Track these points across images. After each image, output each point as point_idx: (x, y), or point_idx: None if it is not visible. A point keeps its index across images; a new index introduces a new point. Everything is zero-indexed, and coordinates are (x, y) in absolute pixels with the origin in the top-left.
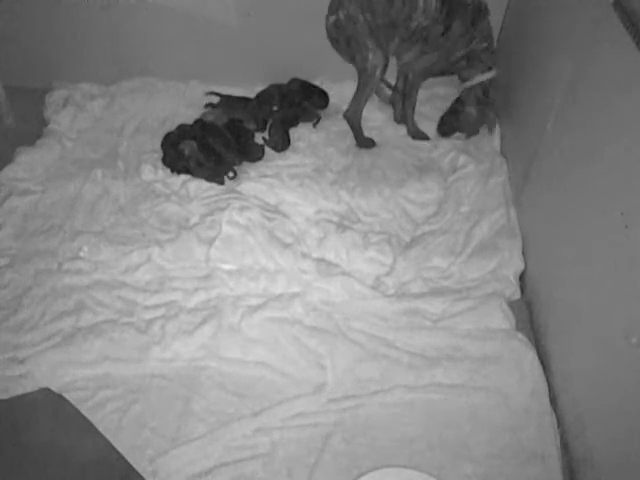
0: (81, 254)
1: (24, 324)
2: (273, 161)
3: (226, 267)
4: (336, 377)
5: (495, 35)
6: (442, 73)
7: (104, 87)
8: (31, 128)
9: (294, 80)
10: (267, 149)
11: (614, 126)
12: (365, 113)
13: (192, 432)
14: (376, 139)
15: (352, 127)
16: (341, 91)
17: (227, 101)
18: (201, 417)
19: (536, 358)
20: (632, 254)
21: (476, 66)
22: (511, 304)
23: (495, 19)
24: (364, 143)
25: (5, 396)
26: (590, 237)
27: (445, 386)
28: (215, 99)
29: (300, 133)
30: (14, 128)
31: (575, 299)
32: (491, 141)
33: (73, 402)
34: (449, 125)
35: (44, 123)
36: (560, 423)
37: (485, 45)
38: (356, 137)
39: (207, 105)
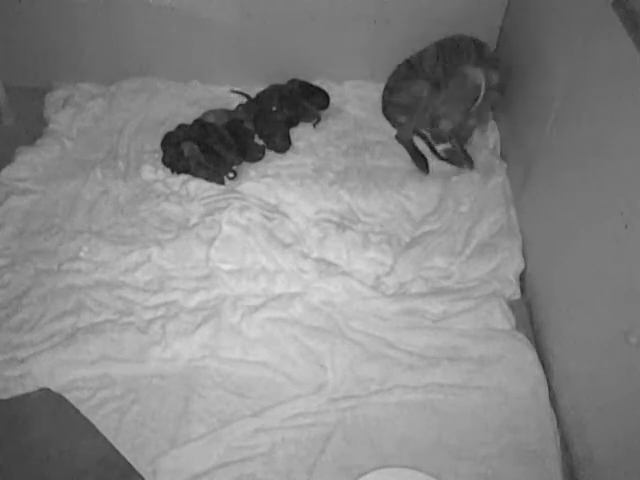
0: (81, 254)
1: (24, 324)
2: (273, 161)
3: (226, 267)
4: (336, 377)
5: (495, 35)
6: None
7: (104, 87)
8: (31, 128)
9: (293, 81)
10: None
11: (614, 126)
12: (365, 114)
13: (192, 432)
14: (375, 139)
15: (405, 147)
16: (341, 91)
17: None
18: (201, 417)
19: (536, 358)
20: (632, 254)
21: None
22: (511, 304)
23: (495, 19)
24: (418, 164)
25: (5, 396)
26: (590, 237)
27: (445, 386)
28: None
29: (300, 133)
30: (14, 128)
31: (575, 299)
32: (486, 140)
33: (73, 402)
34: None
35: (44, 123)
36: (560, 423)
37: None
38: (411, 157)
39: (238, 106)
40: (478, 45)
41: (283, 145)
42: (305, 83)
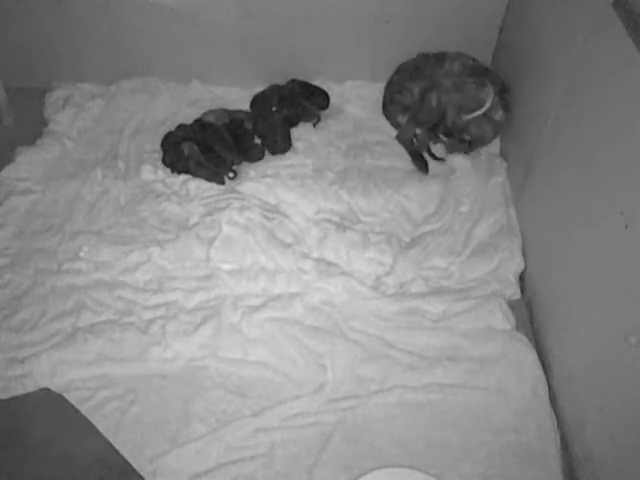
0: (81, 254)
1: (24, 324)
2: (273, 161)
3: (226, 267)
4: (336, 377)
5: (495, 35)
6: None
7: (104, 87)
8: (31, 128)
9: (293, 81)
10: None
11: (614, 126)
12: (365, 114)
13: (192, 432)
14: (375, 139)
15: (405, 147)
16: (341, 91)
17: None
18: (201, 417)
19: (536, 358)
20: (632, 254)
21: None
22: (511, 304)
23: (495, 19)
24: (418, 164)
25: (5, 396)
26: (590, 237)
27: (445, 386)
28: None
29: (300, 133)
30: (14, 128)
31: (575, 299)
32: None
33: (73, 402)
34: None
35: (44, 123)
36: (560, 423)
37: None
38: (411, 157)
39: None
40: (503, 88)
41: (283, 146)
42: (305, 83)
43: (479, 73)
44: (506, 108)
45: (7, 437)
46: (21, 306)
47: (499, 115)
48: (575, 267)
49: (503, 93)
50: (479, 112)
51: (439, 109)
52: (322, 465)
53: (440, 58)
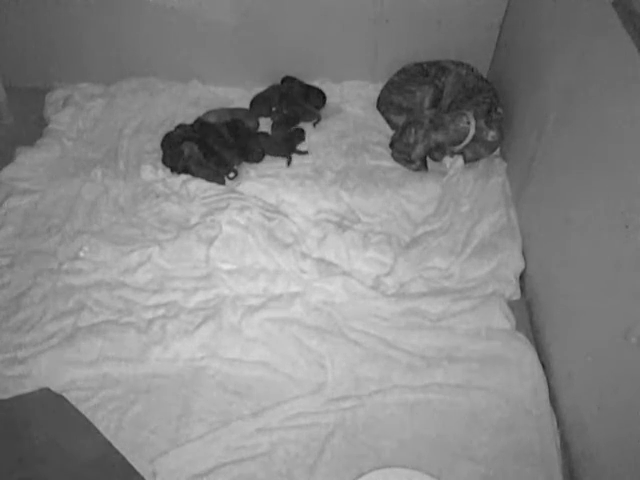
0: (81, 254)
1: (24, 324)
2: (273, 161)
3: (226, 267)
4: (336, 377)
5: (495, 34)
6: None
7: (104, 87)
8: (31, 128)
9: (288, 79)
10: None
11: (614, 126)
12: (365, 114)
13: (192, 432)
14: (375, 139)
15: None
16: (341, 91)
17: None
18: (201, 417)
19: (536, 358)
20: (632, 254)
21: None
22: (511, 304)
23: (495, 19)
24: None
25: (5, 396)
26: (590, 237)
27: (445, 386)
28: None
29: None
30: (14, 128)
31: (575, 299)
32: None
33: (73, 402)
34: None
35: (44, 123)
36: (560, 423)
37: None
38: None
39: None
40: (493, 103)
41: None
42: (302, 83)
43: (470, 89)
44: (498, 127)
45: (7, 437)
46: (21, 306)
47: (490, 136)
48: (575, 267)
49: (491, 113)
50: (467, 141)
51: (414, 145)
52: (322, 465)
53: (438, 69)
